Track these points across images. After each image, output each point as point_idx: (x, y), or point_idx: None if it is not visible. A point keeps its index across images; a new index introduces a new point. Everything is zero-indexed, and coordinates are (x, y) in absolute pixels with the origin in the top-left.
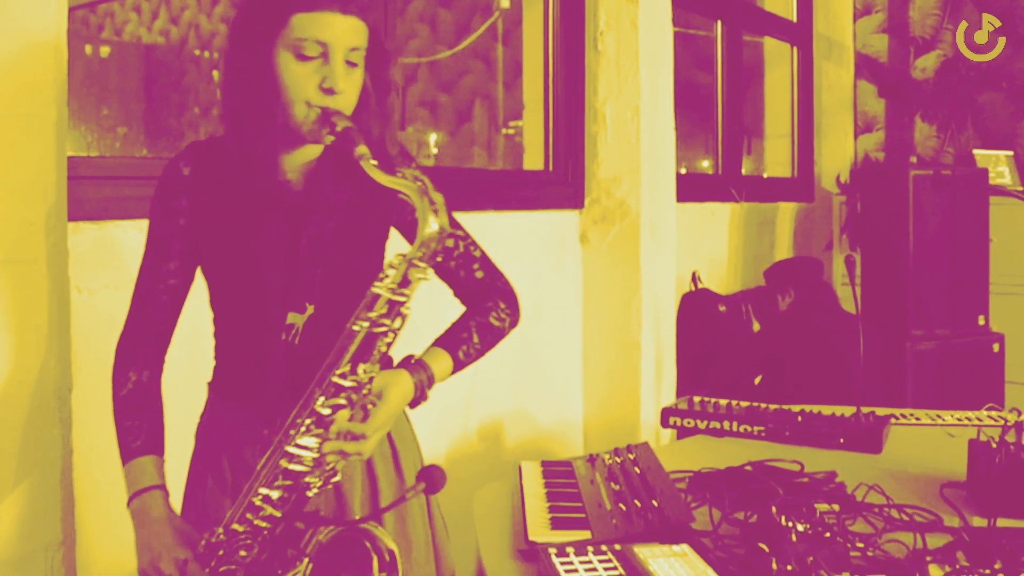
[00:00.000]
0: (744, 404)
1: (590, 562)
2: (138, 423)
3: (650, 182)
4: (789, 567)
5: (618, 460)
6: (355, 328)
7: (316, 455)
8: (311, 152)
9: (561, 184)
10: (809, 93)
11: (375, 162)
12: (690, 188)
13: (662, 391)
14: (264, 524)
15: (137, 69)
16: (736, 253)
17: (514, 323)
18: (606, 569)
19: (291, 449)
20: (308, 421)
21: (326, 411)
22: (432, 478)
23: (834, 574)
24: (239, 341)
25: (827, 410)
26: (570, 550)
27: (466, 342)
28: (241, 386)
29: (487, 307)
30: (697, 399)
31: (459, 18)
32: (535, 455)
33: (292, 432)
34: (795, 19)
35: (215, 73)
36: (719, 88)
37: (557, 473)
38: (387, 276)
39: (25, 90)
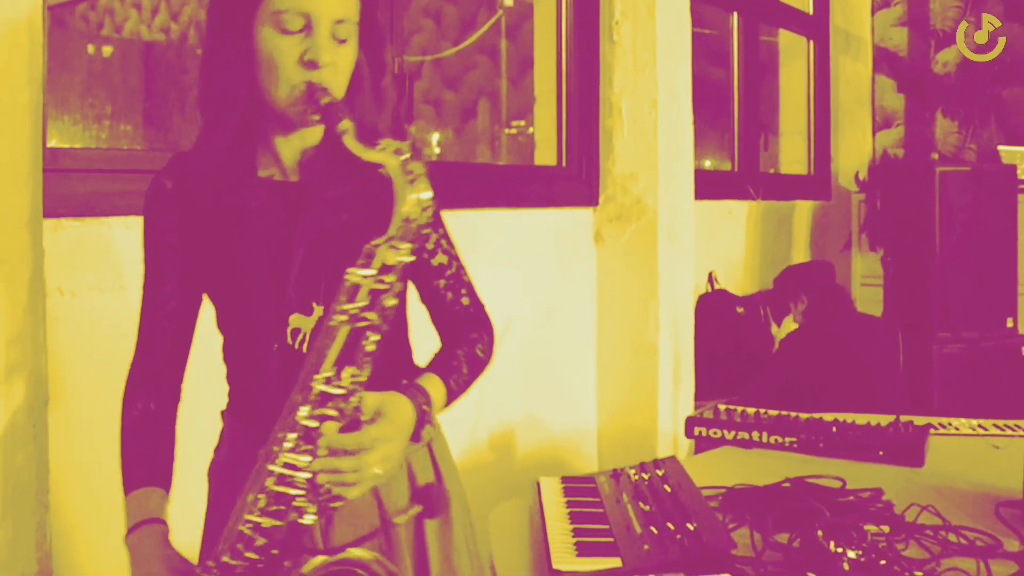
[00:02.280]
0: (773, 413)
1: None
2: (141, 452)
3: (668, 178)
4: None
5: (645, 477)
6: (332, 324)
7: (308, 475)
8: (306, 138)
9: (575, 180)
10: (826, 88)
11: (356, 140)
12: (706, 185)
13: (680, 398)
14: (256, 556)
15: (138, 67)
16: (753, 253)
17: (490, 360)
18: None
19: (276, 469)
20: (293, 436)
21: (312, 423)
22: (430, 499)
23: None
24: (245, 357)
25: (861, 419)
26: None
27: (456, 371)
28: (256, 409)
29: (472, 338)
30: (723, 407)
31: (464, 13)
32: (547, 466)
33: (275, 449)
34: (811, 11)
35: None
36: (735, 82)
37: (579, 491)
38: (365, 262)
39: None
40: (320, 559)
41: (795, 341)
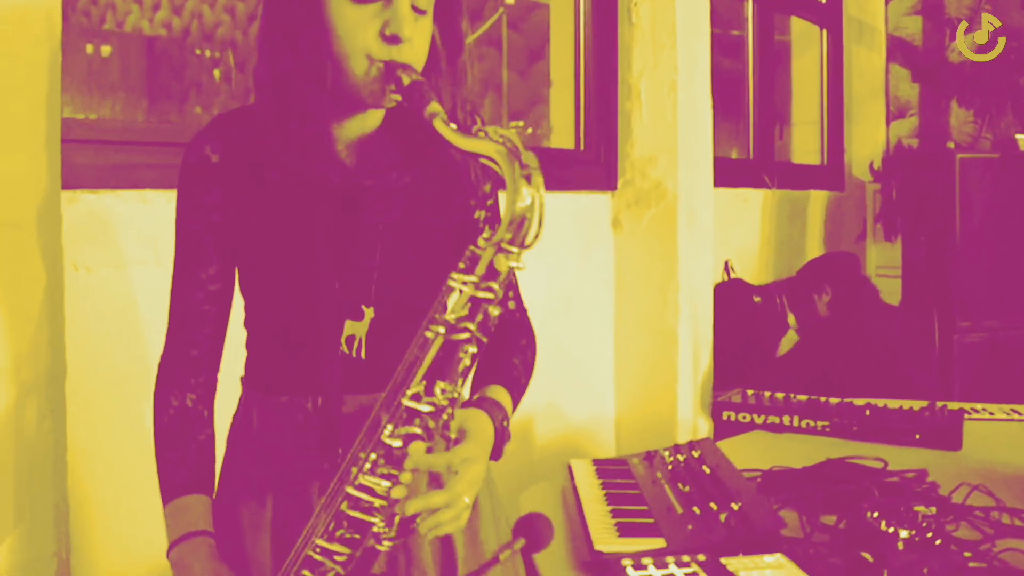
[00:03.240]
0: (803, 397)
1: (673, 575)
2: (181, 456)
3: (688, 162)
4: None
5: (680, 458)
6: (428, 335)
7: (386, 501)
8: (366, 122)
9: (592, 164)
10: (839, 78)
11: (453, 125)
12: (722, 173)
13: (700, 385)
14: None
15: (139, 63)
16: (768, 242)
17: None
18: None
19: (353, 492)
20: (374, 456)
21: (396, 443)
22: (535, 531)
23: None
24: (282, 345)
25: (893, 403)
26: (647, 561)
27: (518, 383)
28: (285, 382)
29: (522, 345)
30: (750, 392)
31: (471, 3)
32: (566, 454)
33: (354, 470)
34: (824, 0)
35: (216, 72)
36: (750, 69)
37: (613, 472)
38: (467, 266)
39: (10, 27)
40: None
41: (821, 332)
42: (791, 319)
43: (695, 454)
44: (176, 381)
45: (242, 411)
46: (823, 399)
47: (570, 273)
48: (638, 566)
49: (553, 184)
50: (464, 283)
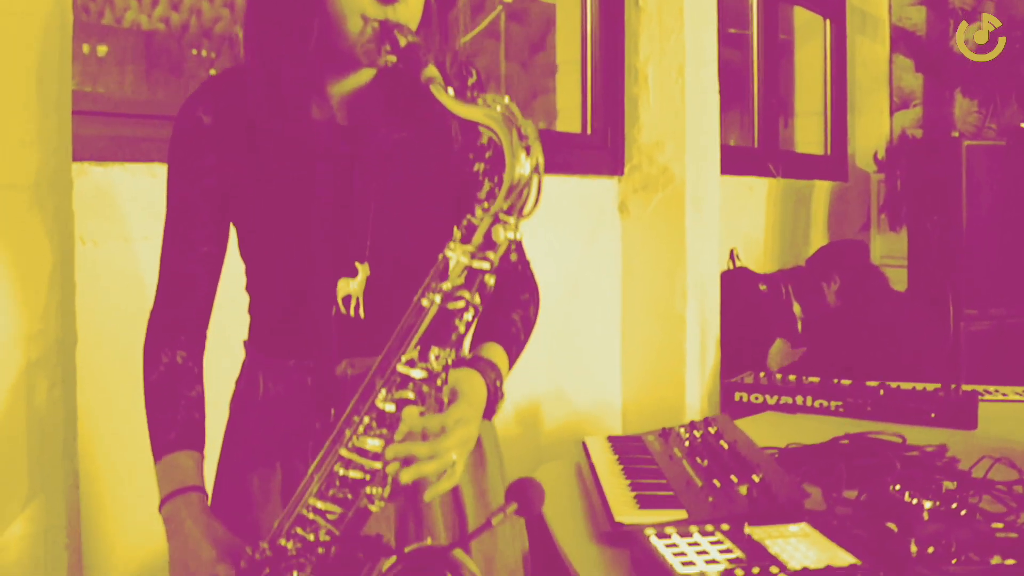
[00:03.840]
0: (814, 379)
1: (698, 544)
2: (171, 414)
3: (695, 147)
4: (930, 549)
5: (696, 434)
6: (424, 303)
7: (378, 463)
8: (359, 79)
9: (599, 149)
10: (842, 68)
11: (451, 89)
12: (727, 160)
13: (707, 370)
14: (316, 540)
15: (139, 60)
16: (773, 232)
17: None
18: (721, 551)
19: (346, 454)
20: (368, 419)
21: (390, 407)
22: (527, 495)
23: (981, 557)
24: (282, 306)
25: (906, 385)
26: (671, 530)
27: (516, 339)
28: (288, 345)
29: (523, 300)
30: (762, 374)
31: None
32: (572, 439)
33: (348, 432)
34: None
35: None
36: (754, 58)
37: (629, 448)
38: (464, 235)
39: None
40: (399, 560)
41: (830, 319)
42: (796, 308)
43: (711, 430)
44: (166, 338)
45: (246, 376)
46: (835, 380)
47: (576, 258)
48: (661, 535)
49: (559, 167)
50: (460, 252)
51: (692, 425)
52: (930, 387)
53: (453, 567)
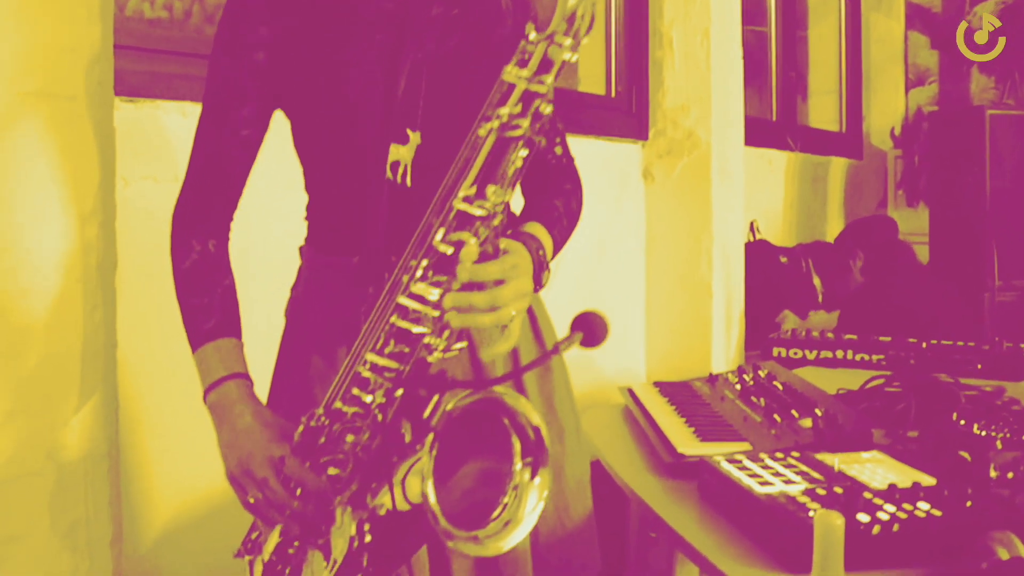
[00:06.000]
0: (853, 336)
1: (771, 467)
2: (208, 300)
3: (721, 112)
4: (1010, 475)
5: (747, 378)
6: (480, 133)
7: (436, 311)
8: None
9: (624, 112)
10: (857, 46)
11: None
12: (747, 132)
13: (732, 340)
14: (373, 400)
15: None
16: (791, 206)
17: (580, 217)
18: (796, 474)
19: (404, 301)
20: (425, 263)
21: (448, 249)
22: (591, 326)
23: None
24: (336, 188)
25: (947, 340)
26: (740, 457)
27: (558, 222)
28: (345, 240)
29: (566, 189)
30: (801, 329)
31: None
32: (596, 404)
33: (405, 279)
34: None
35: None
36: (773, 32)
37: (677, 392)
38: (520, 60)
39: None
40: (465, 394)
41: (860, 295)
42: (817, 282)
43: (762, 373)
44: (197, 224)
45: (305, 282)
46: (875, 336)
47: (600, 223)
48: (732, 461)
49: (584, 128)
50: (518, 76)
51: (740, 370)
52: (972, 343)
53: (510, 413)
